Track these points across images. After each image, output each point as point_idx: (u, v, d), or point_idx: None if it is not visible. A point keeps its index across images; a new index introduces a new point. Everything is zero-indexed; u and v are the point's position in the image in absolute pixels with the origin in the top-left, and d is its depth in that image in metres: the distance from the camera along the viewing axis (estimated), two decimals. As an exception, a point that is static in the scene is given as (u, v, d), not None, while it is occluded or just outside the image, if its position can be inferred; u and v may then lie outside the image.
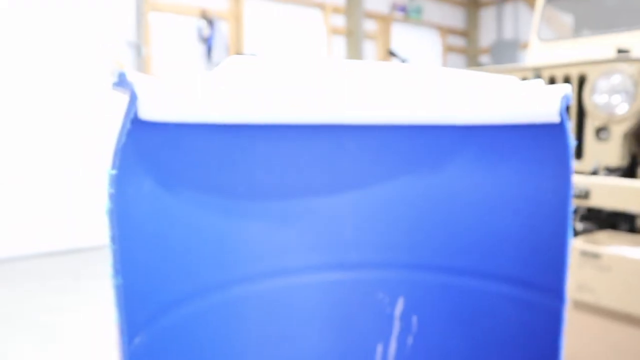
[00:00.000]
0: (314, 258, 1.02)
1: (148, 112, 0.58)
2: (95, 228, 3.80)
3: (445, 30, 7.46)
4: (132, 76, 0.59)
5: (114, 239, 0.56)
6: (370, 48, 6.48)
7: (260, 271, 0.96)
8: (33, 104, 3.68)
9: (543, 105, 0.78)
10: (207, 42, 4.73)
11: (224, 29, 4.90)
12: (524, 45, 6.62)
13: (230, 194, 0.89)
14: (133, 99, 0.55)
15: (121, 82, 0.54)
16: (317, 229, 1.01)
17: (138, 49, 4.21)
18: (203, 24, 4.72)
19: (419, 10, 7.04)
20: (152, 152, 0.70)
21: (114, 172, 0.56)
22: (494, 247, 1.01)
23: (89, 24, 3.89)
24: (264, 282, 0.97)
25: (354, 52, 5.91)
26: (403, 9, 6.88)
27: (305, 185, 0.98)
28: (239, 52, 5.01)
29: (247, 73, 0.74)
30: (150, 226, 0.74)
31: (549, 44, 2.75)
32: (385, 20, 6.69)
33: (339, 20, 6.12)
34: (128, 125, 0.56)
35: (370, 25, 6.52)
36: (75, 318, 2.60)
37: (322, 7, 5.96)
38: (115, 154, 0.55)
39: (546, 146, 0.88)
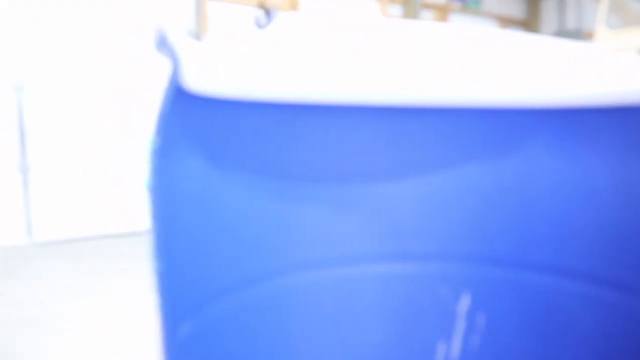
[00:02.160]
0: (373, 247, 0.96)
1: (194, 81, 0.54)
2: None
3: (504, 20, 7.17)
4: (176, 39, 0.54)
5: (155, 217, 0.53)
6: (428, 38, 6.31)
7: (315, 259, 0.91)
8: (97, 93, 3.78)
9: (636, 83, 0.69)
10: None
11: (280, 19, 4.87)
12: (588, 35, 6.27)
13: (285, 177, 0.84)
14: (176, 64, 0.52)
15: (162, 43, 0.51)
16: (376, 216, 0.95)
17: (197, 38, 4.26)
18: (260, 13, 4.71)
19: (477, 0, 6.80)
20: (200, 128, 0.66)
21: (155, 144, 0.52)
22: (573, 242, 0.92)
23: (148, 13, 3.95)
24: (319, 271, 0.92)
25: (412, 42, 5.75)
26: (461, -1, 6.66)
27: (365, 169, 0.92)
28: (294, 42, 4.97)
29: (304, 42, 0.68)
30: (198, 207, 0.70)
31: (617, 32, 2.57)
32: (442, 11, 6.50)
33: (396, 11, 5.99)
34: (171, 93, 0.52)
35: (427, 16, 6.35)
36: (133, 301, 2.65)
37: (379, -4, 5.85)
38: (158, 122, 0.51)
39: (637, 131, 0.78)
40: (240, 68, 0.62)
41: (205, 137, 0.66)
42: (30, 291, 2.81)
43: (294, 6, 5.06)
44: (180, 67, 0.56)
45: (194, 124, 0.63)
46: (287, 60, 0.68)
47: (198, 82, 0.58)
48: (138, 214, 3.86)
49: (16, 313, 2.50)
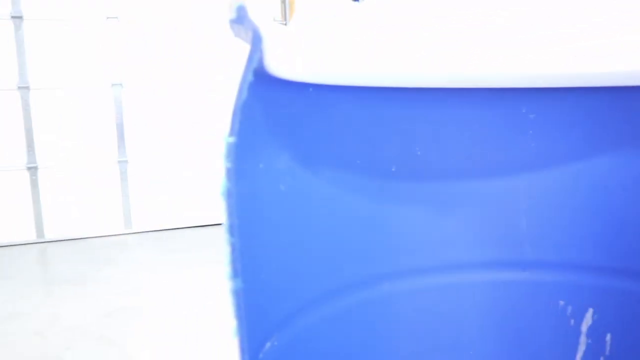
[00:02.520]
0: (480, 252, 0.84)
1: (279, 63, 0.45)
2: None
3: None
4: (257, 13, 0.45)
5: (232, 229, 0.44)
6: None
7: (416, 266, 0.80)
8: (194, 88, 3.86)
9: None
10: (351, 19, 4.61)
11: (367, 4, 4.74)
12: None
13: (382, 173, 0.74)
14: (256, 41, 0.42)
15: (241, 18, 0.41)
16: (485, 217, 0.82)
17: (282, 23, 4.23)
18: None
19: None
20: (285, 118, 0.57)
21: (231, 139, 0.43)
22: None
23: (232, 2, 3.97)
24: (419, 278, 0.81)
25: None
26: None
27: (473, 164, 0.79)
28: (382, 28, 4.83)
29: (401, 15, 0.57)
30: (282, 210, 0.61)
31: None
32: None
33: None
34: (250, 77, 0.43)
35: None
36: (222, 291, 2.68)
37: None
38: (234, 115, 0.42)
39: None
40: (332, 46, 0.52)
41: (291, 128, 0.57)
42: (127, 278, 2.92)
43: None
44: (262, 44, 0.46)
45: (277, 112, 0.55)
46: (385, 38, 0.58)
47: (284, 64, 0.49)
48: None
49: (114, 300, 2.60)
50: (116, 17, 3.62)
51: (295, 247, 0.62)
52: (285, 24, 4.21)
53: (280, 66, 0.45)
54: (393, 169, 0.75)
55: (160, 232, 3.84)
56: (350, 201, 0.72)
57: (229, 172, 0.44)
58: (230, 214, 0.47)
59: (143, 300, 2.59)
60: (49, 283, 2.95)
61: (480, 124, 0.78)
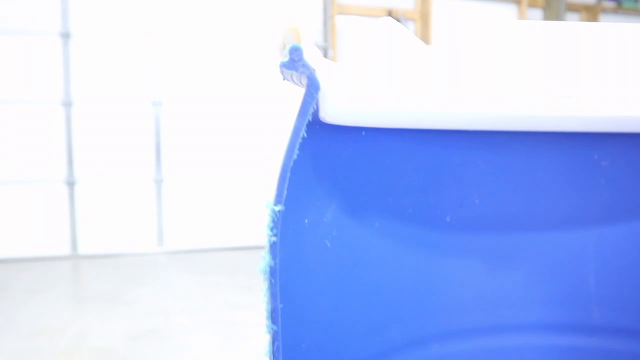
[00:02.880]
0: (540, 313, 0.74)
1: (335, 112, 0.39)
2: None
3: (668, 22, 6.32)
4: (313, 55, 0.39)
5: (274, 315, 0.37)
6: (572, 45, 5.73)
7: (468, 325, 0.71)
8: (231, 108, 3.86)
9: None
10: (392, 43, 4.56)
11: (410, 29, 4.69)
12: None
13: (435, 224, 0.66)
14: (313, 90, 0.36)
15: (295, 60, 0.35)
16: (547, 274, 0.73)
17: (325, 52, 4.22)
18: (388, 24, 4.56)
19: (634, -1, 6.06)
20: (334, 167, 0.50)
21: (279, 207, 0.37)
22: None
23: (275, 27, 3.98)
24: (472, 339, 0.72)
25: (554, 49, 5.26)
26: (615, -2, 5.98)
27: (536, 214, 0.70)
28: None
29: (452, 52, 0.51)
30: (326, 270, 0.54)
31: None
32: (591, 12, 5.88)
33: (536, 15, 5.52)
34: (303, 133, 0.36)
35: (572, 18, 5.78)
36: (252, 317, 2.61)
37: (517, 1, 5.43)
38: (282, 179, 0.36)
39: None
40: (385, 86, 0.46)
41: (339, 177, 0.51)
42: (157, 299, 2.88)
43: (424, 17, 4.85)
44: (317, 88, 0.40)
45: (326, 162, 0.49)
46: (439, 77, 0.51)
47: (342, 111, 0.43)
48: (259, 228, 3.88)
49: (140, 323, 2.56)
50: (158, 35, 3.67)
51: (340, 308, 0.55)
52: (326, 48, 4.19)
53: (338, 114, 0.39)
54: (448, 219, 0.67)
55: (193, 252, 3.82)
56: (400, 254, 0.64)
57: (273, 246, 0.37)
58: (273, 295, 0.40)
59: (171, 324, 2.55)
60: (79, 299, 2.94)
61: (546, 170, 0.70)
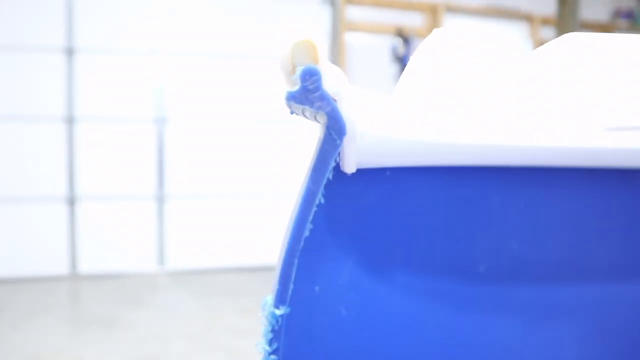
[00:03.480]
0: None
1: (365, 158, 0.29)
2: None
3: (682, 41, 6.22)
4: (335, 79, 0.29)
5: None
6: (585, 63, 5.65)
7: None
8: (235, 127, 3.79)
9: None
10: (402, 61, 4.49)
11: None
12: None
13: (467, 275, 0.56)
14: (335, 131, 0.27)
15: (309, 90, 0.25)
16: (598, 332, 0.62)
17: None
18: (398, 42, 4.50)
19: (647, 18, 5.98)
20: (351, 218, 0.40)
21: (282, 311, 0.27)
22: None
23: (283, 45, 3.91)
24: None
25: (566, 68, 5.17)
26: (629, 15, 5.89)
27: (587, 260, 0.60)
28: (433, 71, 4.68)
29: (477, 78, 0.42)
30: (341, 342, 0.44)
31: None
32: (605, 30, 5.80)
33: (549, 33, 5.45)
34: (318, 198, 0.26)
35: (585, 38, 5.69)
36: (252, 343, 2.49)
37: (529, 18, 5.36)
38: (286, 268, 0.26)
39: None
40: (408, 121, 0.37)
41: (357, 229, 0.41)
42: (156, 322, 2.77)
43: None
44: (344, 137, 0.30)
45: (342, 213, 0.39)
46: (471, 107, 0.42)
47: (372, 156, 0.34)
48: (267, 249, 3.77)
49: (138, 349, 2.44)
50: (163, 53, 3.61)
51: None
52: (335, 65, 4.09)
53: (369, 160, 0.30)
54: (482, 270, 0.57)
55: (194, 273, 3.71)
56: (427, 313, 0.54)
57: (277, 333, 0.28)
58: (278, 336, 0.31)
59: (170, 351, 2.43)
60: (76, 323, 2.84)
61: (598, 212, 0.59)
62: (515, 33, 5.32)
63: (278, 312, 0.28)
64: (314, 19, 4.04)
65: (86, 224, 3.58)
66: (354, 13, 4.41)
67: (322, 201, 0.28)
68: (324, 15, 4.08)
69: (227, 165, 3.79)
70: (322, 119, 0.27)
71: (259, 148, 3.80)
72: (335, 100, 0.27)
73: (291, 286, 0.27)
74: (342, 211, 0.39)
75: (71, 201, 3.55)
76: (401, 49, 4.53)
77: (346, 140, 0.28)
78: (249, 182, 3.84)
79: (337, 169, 0.33)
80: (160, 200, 3.71)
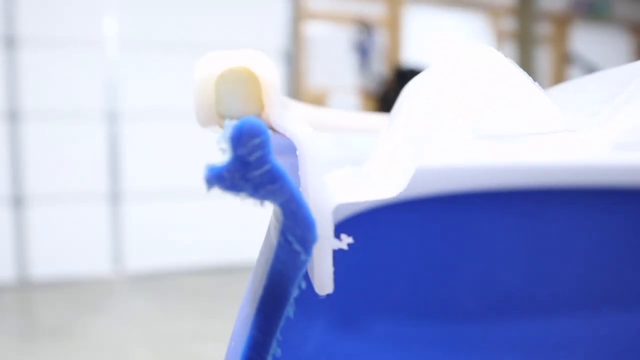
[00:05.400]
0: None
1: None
2: (245, 245, 3.66)
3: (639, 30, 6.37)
4: (297, 136, 0.19)
5: None
6: (544, 53, 5.73)
7: None
8: (196, 123, 3.64)
9: None
10: (362, 51, 4.42)
11: (380, 36, 4.56)
12: None
13: (458, 316, 0.48)
14: (302, 233, 0.17)
15: (248, 165, 0.16)
16: None
17: (290, 59, 4.03)
18: (359, 31, 4.42)
19: (605, 7, 6.08)
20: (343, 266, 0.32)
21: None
22: None
23: (239, 35, 3.78)
24: None
25: (525, 58, 5.23)
26: (585, 5, 5.98)
27: (588, 292, 0.54)
28: (395, 61, 4.63)
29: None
30: None
31: None
32: (562, 21, 5.88)
33: (509, 24, 5.47)
34: (274, 339, 0.18)
35: (544, 28, 5.76)
36: (219, 348, 2.39)
37: (489, 9, 5.37)
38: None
39: None
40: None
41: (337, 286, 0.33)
42: (114, 333, 2.63)
43: (394, 24, 4.71)
44: (314, 245, 0.20)
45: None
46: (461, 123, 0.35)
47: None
48: (230, 248, 3.65)
49: (93, 359, 2.31)
50: (115, 43, 3.42)
51: None
52: (293, 56, 3.99)
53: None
54: (474, 308, 0.49)
55: (153, 276, 3.56)
56: (431, 355, 0.46)
57: None
58: None
59: (131, 359, 2.31)
60: (26, 334, 2.67)
61: (599, 238, 0.53)
62: (476, 24, 5.32)
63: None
64: (272, 8, 3.91)
65: (36, 227, 3.39)
66: (313, 2, 4.30)
67: (278, 354, 0.19)
68: (283, 4, 3.96)
69: (188, 161, 3.65)
70: (276, 213, 0.18)
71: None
72: (297, 180, 0.17)
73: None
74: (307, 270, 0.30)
75: (19, 201, 3.34)
76: (362, 38, 4.46)
77: (318, 248, 0.18)
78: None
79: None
80: (116, 198, 3.54)
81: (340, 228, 0.35)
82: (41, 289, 3.27)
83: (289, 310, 0.19)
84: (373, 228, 0.37)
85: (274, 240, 0.20)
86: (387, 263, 0.41)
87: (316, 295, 0.34)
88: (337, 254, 0.37)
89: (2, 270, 3.33)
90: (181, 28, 3.58)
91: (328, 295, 0.36)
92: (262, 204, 0.18)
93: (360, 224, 0.35)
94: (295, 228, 0.18)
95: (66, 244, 3.43)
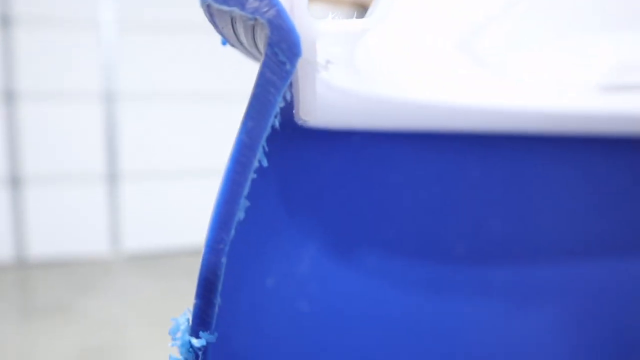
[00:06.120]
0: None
1: (332, 105, 0.21)
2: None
3: None
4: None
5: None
6: None
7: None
8: (195, 101, 3.63)
9: None
10: None
11: None
12: None
13: (444, 257, 0.49)
14: (284, 49, 0.18)
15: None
16: (585, 315, 0.57)
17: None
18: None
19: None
20: (309, 193, 0.32)
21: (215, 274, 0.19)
22: None
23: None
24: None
25: None
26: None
27: (578, 237, 0.54)
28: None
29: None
30: (304, 338, 0.36)
31: None
32: None
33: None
34: (260, 144, 0.18)
35: None
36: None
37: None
38: (213, 251, 0.19)
39: None
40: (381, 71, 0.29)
41: (318, 205, 0.33)
42: (109, 312, 2.65)
43: None
44: (298, 60, 0.21)
45: (301, 184, 0.31)
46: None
47: (345, 104, 0.27)
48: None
49: (90, 338, 2.33)
50: (114, 23, 3.40)
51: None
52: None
53: (337, 110, 0.22)
54: (460, 250, 0.50)
55: (152, 256, 3.58)
56: (401, 300, 0.47)
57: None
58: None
59: (128, 337, 2.33)
60: (25, 312, 2.69)
61: (592, 183, 0.53)
62: None
63: (197, 342, 0.20)
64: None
65: (34, 206, 3.39)
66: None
67: (265, 164, 0.20)
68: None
69: (188, 140, 3.65)
70: (263, 31, 0.19)
71: (223, 123, 3.65)
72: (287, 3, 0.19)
73: (217, 300, 0.20)
74: (294, 180, 0.31)
75: (16, 182, 3.35)
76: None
77: (302, 64, 0.19)
78: (211, 158, 3.70)
79: (286, 116, 0.25)
80: (113, 178, 3.54)
81: (339, 149, 0.36)
82: (39, 269, 3.28)
83: (275, 121, 0.20)
84: (369, 155, 0.37)
85: (262, 61, 0.20)
86: (381, 195, 0.41)
87: (311, 216, 0.35)
88: (328, 180, 0.37)
89: (0, 250, 3.34)
90: (179, 8, 3.56)
91: (321, 216, 0.37)
92: (254, 38, 0.19)
93: (356, 148, 0.35)
94: (280, 42, 0.19)
95: (64, 224, 3.44)
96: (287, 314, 0.32)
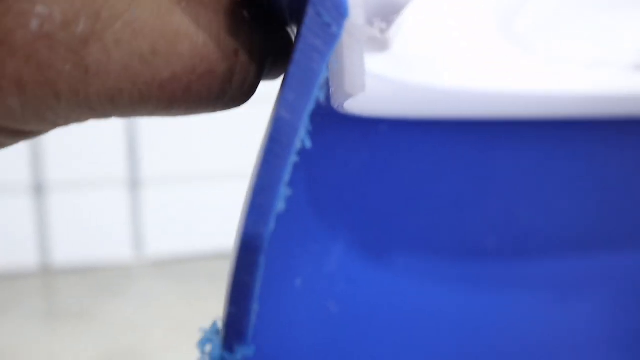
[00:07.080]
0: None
1: (380, 90, 0.19)
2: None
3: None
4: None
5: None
6: None
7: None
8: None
9: None
10: None
11: None
12: None
13: (477, 252, 0.47)
14: (332, 5, 0.16)
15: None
16: (626, 308, 0.55)
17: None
18: None
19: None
20: (338, 187, 0.30)
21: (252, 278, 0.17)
22: None
23: None
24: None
25: None
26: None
27: (618, 227, 0.52)
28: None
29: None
30: (331, 339, 0.35)
31: None
32: None
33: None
34: (304, 121, 0.16)
35: None
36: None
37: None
38: (250, 250, 0.16)
39: None
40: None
41: (346, 202, 0.32)
42: (132, 316, 2.67)
43: None
44: (348, 23, 0.19)
45: (331, 178, 0.30)
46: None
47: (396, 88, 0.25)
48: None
49: (114, 342, 2.34)
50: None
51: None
52: None
53: (382, 96, 0.20)
54: (494, 244, 0.48)
55: (176, 260, 3.59)
56: (433, 299, 0.45)
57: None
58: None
59: (150, 340, 2.34)
60: (49, 317, 2.71)
61: (627, 168, 0.51)
62: None
63: (231, 357, 0.18)
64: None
65: (57, 213, 3.44)
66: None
67: (308, 145, 0.18)
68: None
69: (211, 143, 3.65)
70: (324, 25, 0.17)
71: (247, 124, 3.64)
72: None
73: (254, 306, 0.18)
74: (333, 167, 0.29)
75: (39, 189, 3.40)
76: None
77: (349, 29, 0.17)
78: (235, 160, 3.70)
79: (324, 112, 0.23)
80: (135, 183, 3.57)
81: (369, 139, 0.34)
82: (63, 275, 3.32)
83: (320, 94, 0.18)
84: (399, 145, 0.35)
85: (302, 23, 0.18)
86: (409, 188, 0.40)
87: (339, 213, 0.33)
88: (359, 171, 0.36)
89: (24, 257, 3.39)
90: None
91: (350, 212, 0.35)
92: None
93: (386, 138, 0.33)
94: (325, 1, 0.17)
95: (87, 229, 3.47)
96: (318, 316, 0.30)
